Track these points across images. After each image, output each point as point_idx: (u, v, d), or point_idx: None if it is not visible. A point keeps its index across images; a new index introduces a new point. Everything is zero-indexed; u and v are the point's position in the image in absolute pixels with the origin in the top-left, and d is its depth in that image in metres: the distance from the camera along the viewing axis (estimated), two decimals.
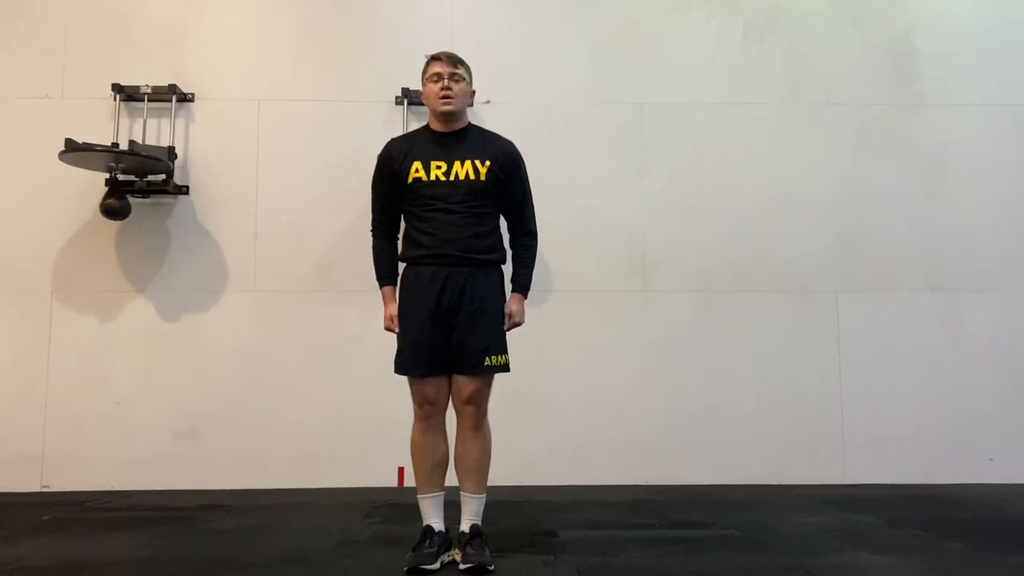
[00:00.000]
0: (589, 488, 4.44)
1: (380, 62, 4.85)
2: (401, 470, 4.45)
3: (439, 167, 2.87)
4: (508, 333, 2.96)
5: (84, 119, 4.67)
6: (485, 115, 4.67)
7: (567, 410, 4.68)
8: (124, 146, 4.51)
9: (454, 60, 2.95)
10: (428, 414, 2.87)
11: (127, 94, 4.72)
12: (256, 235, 4.74)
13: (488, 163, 2.90)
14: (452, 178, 2.85)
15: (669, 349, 4.77)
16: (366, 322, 4.65)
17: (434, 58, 2.97)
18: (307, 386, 4.65)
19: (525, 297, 3.04)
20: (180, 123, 4.77)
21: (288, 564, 2.87)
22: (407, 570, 2.73)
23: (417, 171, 2.88)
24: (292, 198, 4.76)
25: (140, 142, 4.61)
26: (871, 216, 4.88)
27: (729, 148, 4.90)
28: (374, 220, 3.05)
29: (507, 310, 2.95)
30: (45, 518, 3.79)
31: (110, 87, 4.70)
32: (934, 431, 4.73)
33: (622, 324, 4.77)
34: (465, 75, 2.96)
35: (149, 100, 4.72)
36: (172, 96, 4.73)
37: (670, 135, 4.90)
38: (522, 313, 2.99)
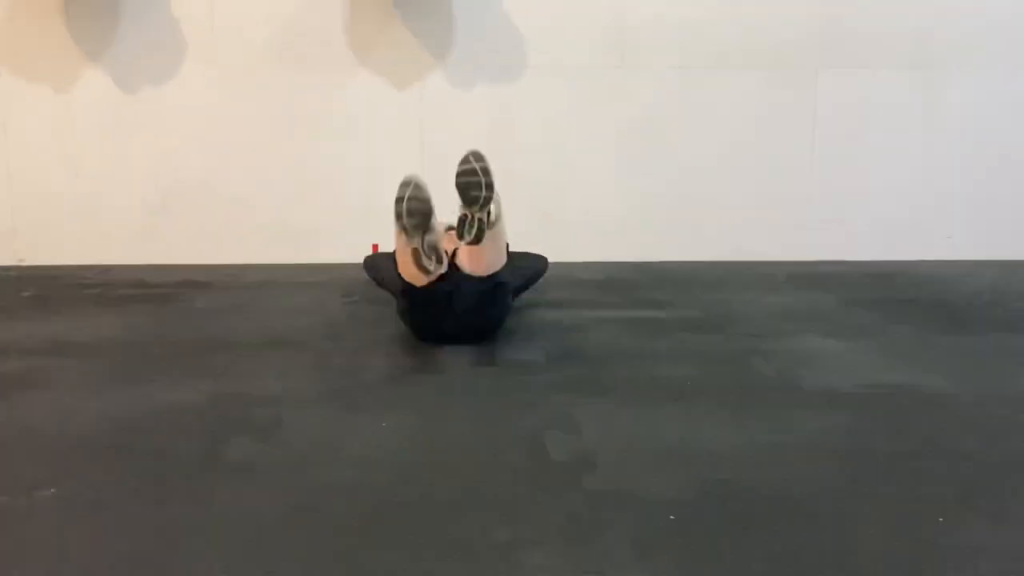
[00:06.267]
0: (560, 265, 4.53)
1: None
2: (375, 247, 4.49)
3: None
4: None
5: None
6: None
7: (541, 188, 4.68)
8: None
9: None
10: None
11: None
12: None
13: None
14: None
15: (645, 127, 4.71)
16: (335, 92, 4.52)
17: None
18: (277, 159, 4.59)
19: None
20: None
21: (271, 346, 2.94)
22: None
23: None
24: None
25: None
26: None
27: None
28: None
29: None
30: (25, 294, 3.85)
31: None
32: (900, 209, 4.83)
33: (598, 101, 4.66)
34: None
35: None
36: None
37: None
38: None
